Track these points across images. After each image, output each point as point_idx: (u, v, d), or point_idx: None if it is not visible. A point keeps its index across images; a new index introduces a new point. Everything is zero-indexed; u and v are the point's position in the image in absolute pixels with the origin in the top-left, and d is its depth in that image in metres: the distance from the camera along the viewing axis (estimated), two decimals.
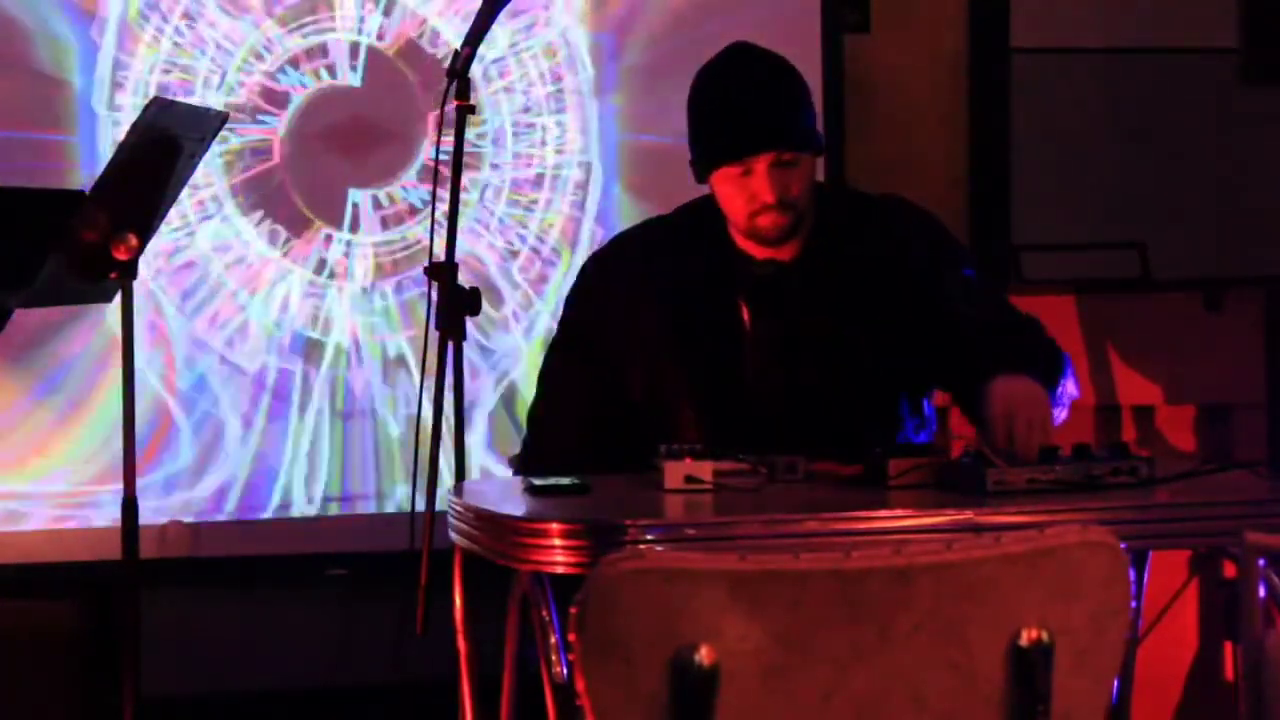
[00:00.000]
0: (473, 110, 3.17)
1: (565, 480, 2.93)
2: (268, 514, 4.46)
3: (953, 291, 3.29)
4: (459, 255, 3.15)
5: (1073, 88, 5.01)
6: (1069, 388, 3.23)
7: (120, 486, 3.50)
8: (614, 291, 3.35)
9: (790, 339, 3.27)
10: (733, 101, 3.24)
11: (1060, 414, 3.20)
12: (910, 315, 3.28)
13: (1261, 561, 2.68)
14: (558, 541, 2.62)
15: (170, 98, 4.05)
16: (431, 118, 4.46)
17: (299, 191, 4.48)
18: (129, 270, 3.45)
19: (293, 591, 4.56)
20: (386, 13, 4.48)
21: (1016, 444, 2.97)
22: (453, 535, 2.91)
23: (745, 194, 3.23)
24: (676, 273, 3.32)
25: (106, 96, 4.36)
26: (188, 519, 4.42)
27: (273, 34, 4.46)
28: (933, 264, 3.31)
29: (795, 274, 3.30)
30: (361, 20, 4.48)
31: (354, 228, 4.50)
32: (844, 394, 3.26)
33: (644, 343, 3.30)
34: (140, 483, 3.55)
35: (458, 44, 3.24)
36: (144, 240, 3.47)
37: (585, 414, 3.33)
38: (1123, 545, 2.17)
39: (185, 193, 4.01)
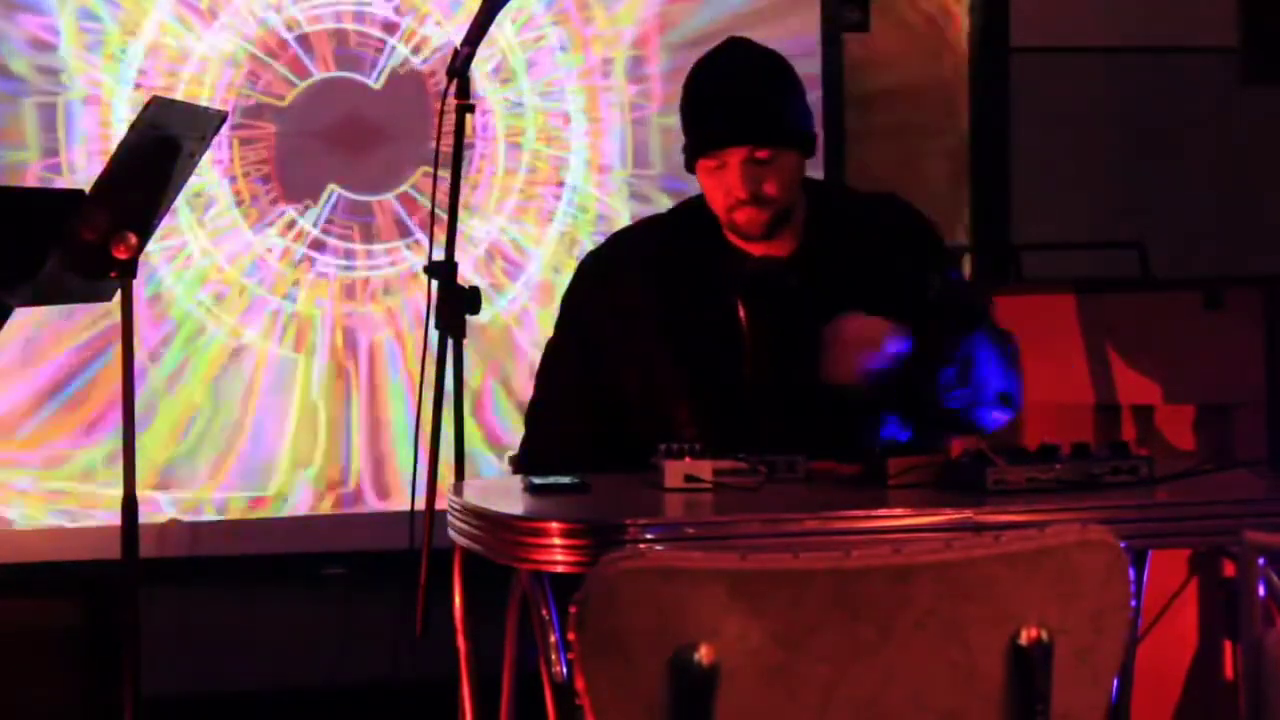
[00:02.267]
0: (472, 109, 3.16)
1: (565, 479, 2.93)
2: (267, 513, 4.46)
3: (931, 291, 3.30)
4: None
5: (1073, 87, 5.02)
6: (1009, 389, 3.24)
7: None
8: (611, 289, 3.35)
9: (787, 337, 3.27)
10: (713, 94, 3.26)
11: (1000, 417, 3.21)
12: (895, 313, 3.28)
13: (1261, 561, 2.68)
14: (558, 541, 2.62)
15: (170, 97, 4.05)
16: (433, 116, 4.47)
17: (299, 186, 4.48)
18: (128, 269, 3.45)
19: (292, 591, 4.56)
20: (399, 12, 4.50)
21: (834, 365, 3.08)
22: (452, 534, 2.91)
23: (722, 187, 3.25)
24: (673, 270, 3.32)
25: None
26: (187, 518, 4.42)
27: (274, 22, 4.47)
28: (919, 264, 3.31)
29: (791, 271, 3.30)
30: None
31: (355, 224, 4.50)
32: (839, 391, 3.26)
33: (641, 340, 3.30)
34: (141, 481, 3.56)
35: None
36: (143, 239, 3.47)
37: (583, 412, 3.33)
38: (1122, 544, 2.17)
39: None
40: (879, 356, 3.15)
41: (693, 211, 3.36)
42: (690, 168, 3.29)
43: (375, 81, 4.50)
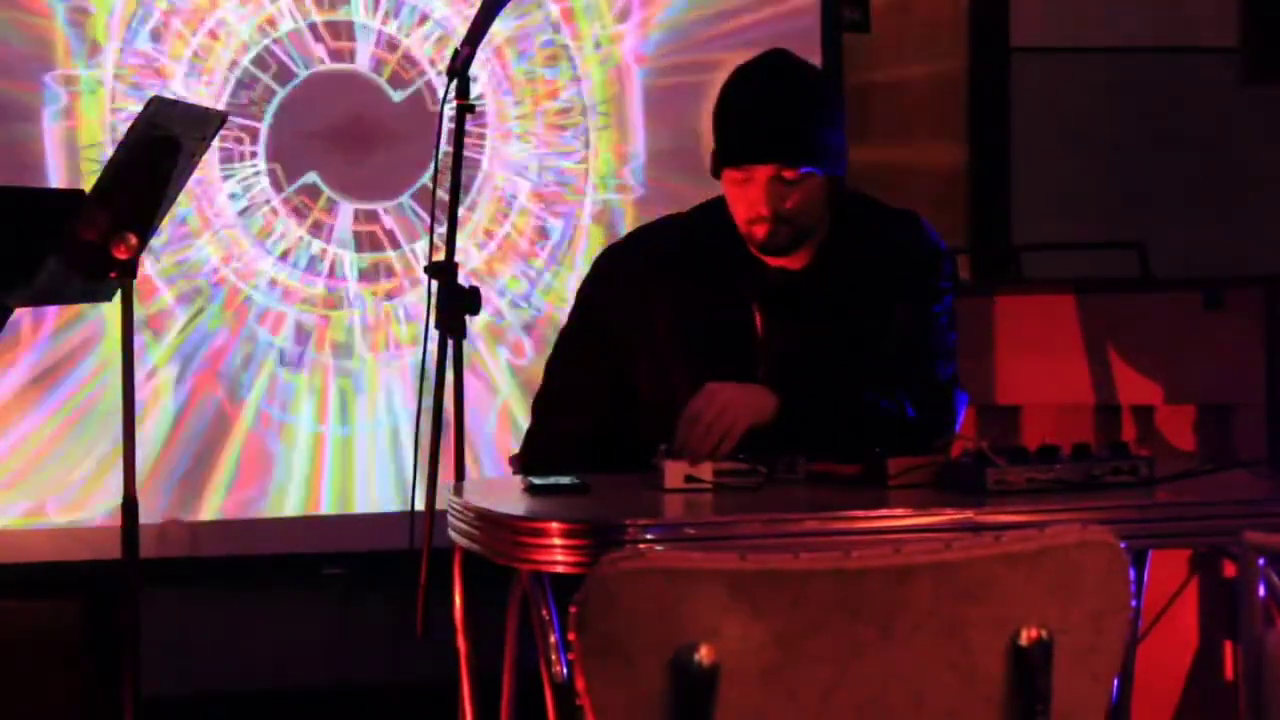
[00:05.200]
0: (472, 109, 3.17)
1: (565, 479, 2.93)
2: (267, 514, 4.46)
3: (904, 322, 3.28)
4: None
5: (1073, 88, 5.02)
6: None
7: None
8: (627, 288, 3.34)
9: (802, 346, 3.26)
10: (749, 107, 3.23)
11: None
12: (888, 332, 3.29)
13: (1261, 561, 2.68)
14: (558, 541, 2.62)
15: (171, 97, 4.05)
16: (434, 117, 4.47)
17: (293, 183, 4.48)
18: (129, 270, 3.44)
19: (292, 591, 4.57)
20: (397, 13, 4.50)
21: (690, 442, 3.00)
22: (453, 535, 2.91)
23: (745, 200, 3.23)
24: (691, 273, 3.31)
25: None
26: (187, 518, 4.43)
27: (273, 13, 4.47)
28: (911, 293, 3.30)
29: (805, 283, 3.29)
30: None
31: (353, 226, 4.50)
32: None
33: (654, 341, 3.30)
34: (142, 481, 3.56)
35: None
36: (144, 240, 3.47)
37: (590, 406, 3.33)
38: (1123, 545, 2.17)
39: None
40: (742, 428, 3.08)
41: (714, 214, 3.34)
42: (716, 173, 3.28)
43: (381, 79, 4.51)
